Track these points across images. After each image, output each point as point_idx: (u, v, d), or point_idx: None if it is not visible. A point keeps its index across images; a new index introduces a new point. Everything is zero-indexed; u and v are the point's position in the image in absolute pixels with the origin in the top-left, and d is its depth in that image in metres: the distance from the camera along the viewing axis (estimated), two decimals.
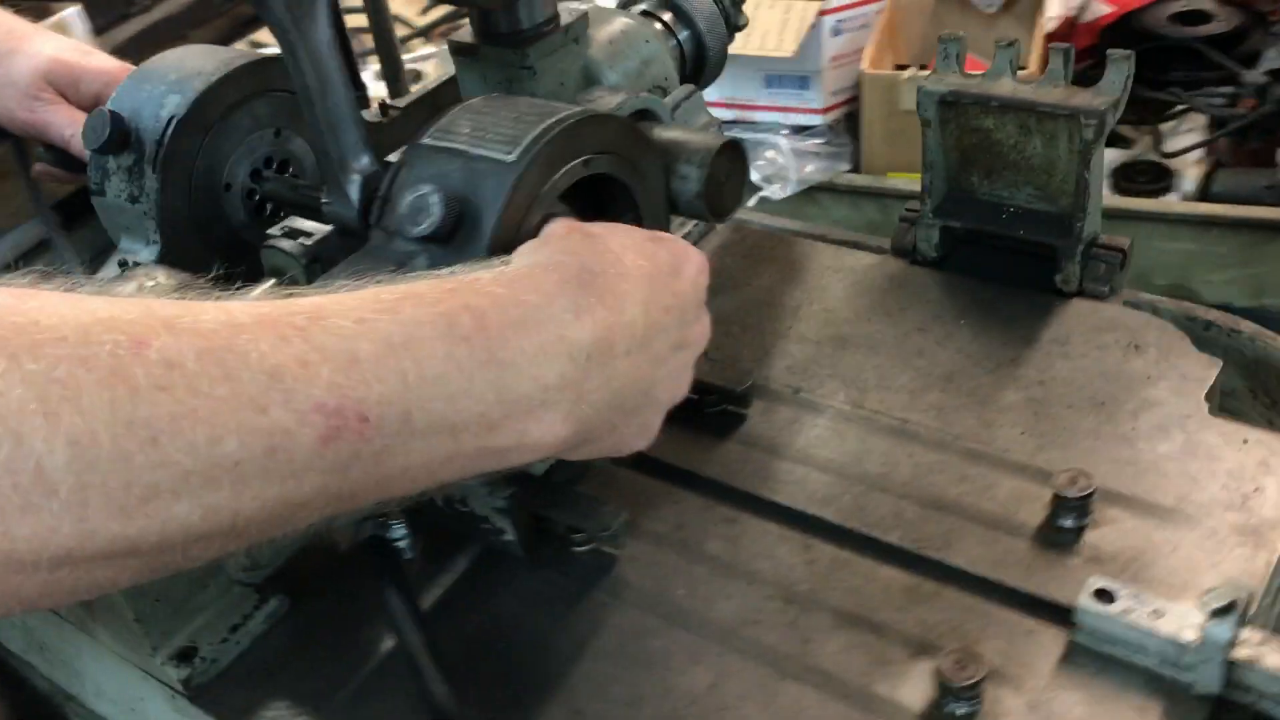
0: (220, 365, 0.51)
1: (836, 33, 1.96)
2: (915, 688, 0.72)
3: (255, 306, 0.56)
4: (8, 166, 1.50)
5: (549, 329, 0.63)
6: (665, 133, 0.91)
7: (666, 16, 1.14)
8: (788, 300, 1.07)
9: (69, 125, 1.01)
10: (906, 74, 1.77)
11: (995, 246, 1.05)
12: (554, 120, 0.78)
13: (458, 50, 1.01)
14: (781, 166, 1.94)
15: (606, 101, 0.93)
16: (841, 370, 0.97)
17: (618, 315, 0.67)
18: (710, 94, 2.15)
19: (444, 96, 1.15)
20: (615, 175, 0.83)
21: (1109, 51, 0.94)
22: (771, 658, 0.76)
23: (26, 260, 1.88)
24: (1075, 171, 0.97)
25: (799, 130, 2.05)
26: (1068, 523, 0.80)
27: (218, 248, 0.98)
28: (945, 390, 0.93)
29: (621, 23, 1.06)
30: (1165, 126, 2.10)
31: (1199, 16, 2.07)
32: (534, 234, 0.76)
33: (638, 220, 0.87)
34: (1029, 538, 0.80)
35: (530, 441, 0.64)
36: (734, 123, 2.11)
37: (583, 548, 0.86)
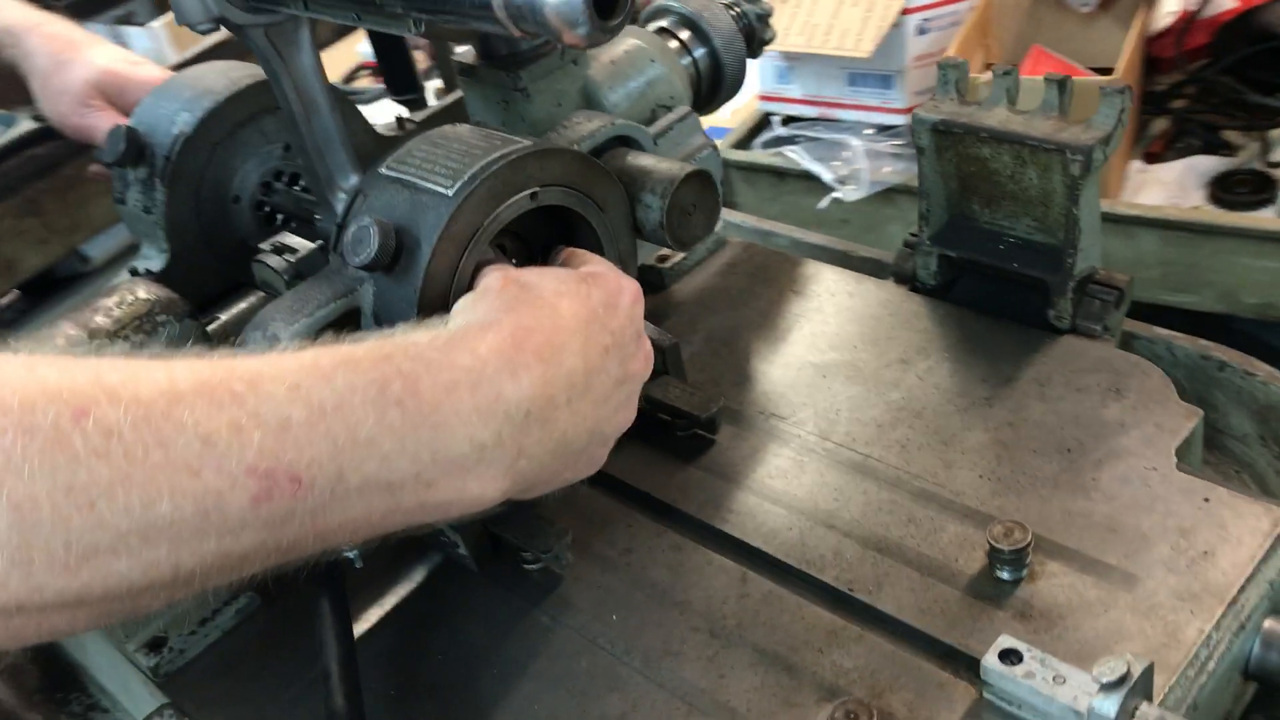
0: (155, 433, 0.55)
1: (922, 31, 1.91)
2: None
3: (198, 371, 0.59)
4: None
5: (484, 390, 0.65)
6: (636, 160, 0.92)
7: (684, 34, 1.14)
8: (780, 323, 1.06)
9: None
10: (985, 76, 1.72)
11: (997, 277, 1.03)
12: (497, 155, 0.80)
13: (461, 70, 1.04)
14: (856, 167, 1.91)
15: (582, 129, 0.94)
16: (816, 399, 0.97)
17: (556, 369, 0.69)
18: (794, 91, 2.14)
19: (456, 113, 1.18)
20: (566, 206, 0.85)
21: (1101, 85, 0.91)
22: (685, 691, 0.77)
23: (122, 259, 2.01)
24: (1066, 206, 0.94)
25: (883, 130, 2.01)
26: (1004, 574, 0.79)
27: (227, 257, 1.03)
28: (913, 426, 0.92)
29: (628, 43, 1.07)
30: (1275, 134, 1.99)
31: None
32: (470, 273, 0.79)
33: (598, 247, 0.89)
34: (962, 587, 0.79)
35: (469, 497, 0.66)
36: (817, 120, 2.09)
37: (533, 566, 0.88)
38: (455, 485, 0.65)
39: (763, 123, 2.20)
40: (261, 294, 0.95)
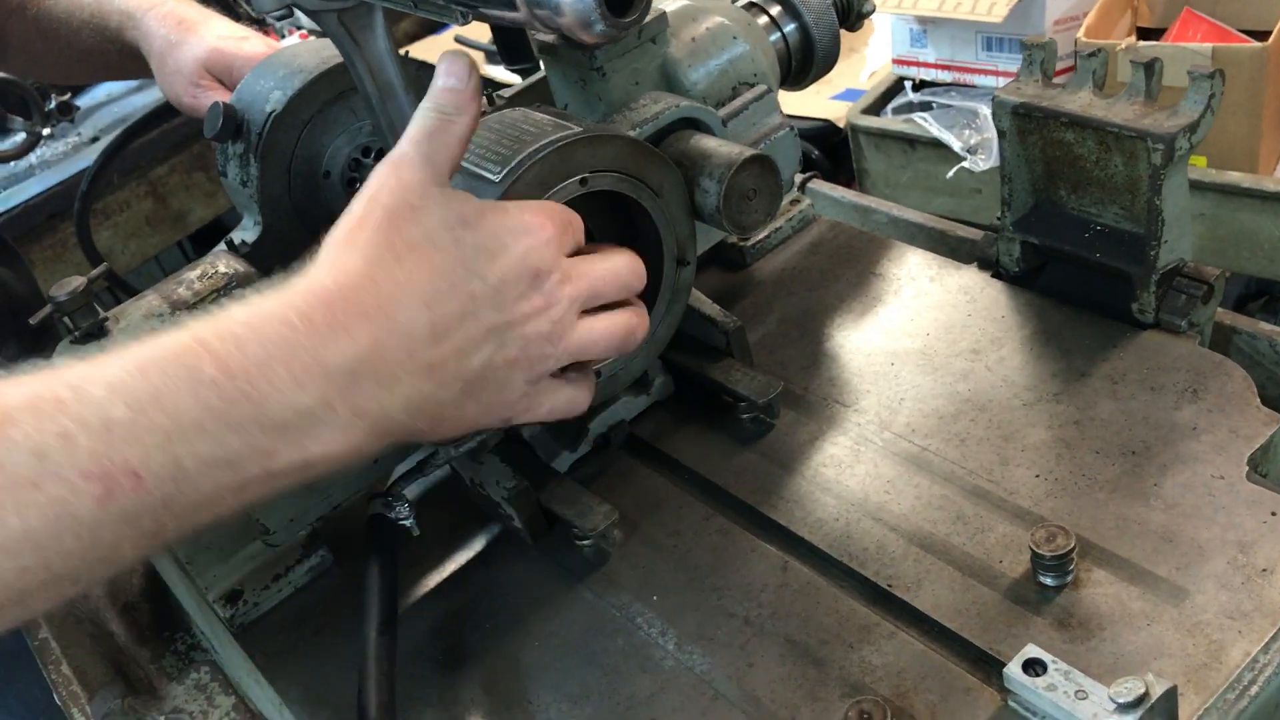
0: None
1: None
2: None
3: (28, 385, 0.62)
4: None
5: (300, 357, 0.66)
6: (699, 143, 0.92)
7: (774, 10, 1.13)
8: (856, 306, 1.05)
9: None
10: (1123, 44, 1.64)
11: (1083, 266, 0.99)
12: (546, 142, 0.81)
13: (541, 49, 1.05)
14: (985, 136, 1.85)
15: (646, 111, 0.94)
16: (881, 387, 0.96)
17: (386, 323, 0.68)
18: (928, 56, 2.08)
19: (544, 89, 1.19)
20: (617, 192, 0.85)
21: (1190, 69, 0.86)
22: (713, 676, 0.78)
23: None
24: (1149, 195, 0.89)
25: None
26: (1047, 580, 0.77)
27: (317, 230, 1.08)
28: (975, 420, 0.90)
29: (711, 20, 1.06)
30: None
31: None
32: None
33: (654, 231, 0.89)
34: (1003, 590, 0.77)
35: (317, 456, 0.67)
36: (951, 86, 2.02)
37: (584, 542, 0.90)
38: (296, 450, 0.66)
39: (896, 87, 2.14)
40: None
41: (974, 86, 1.97)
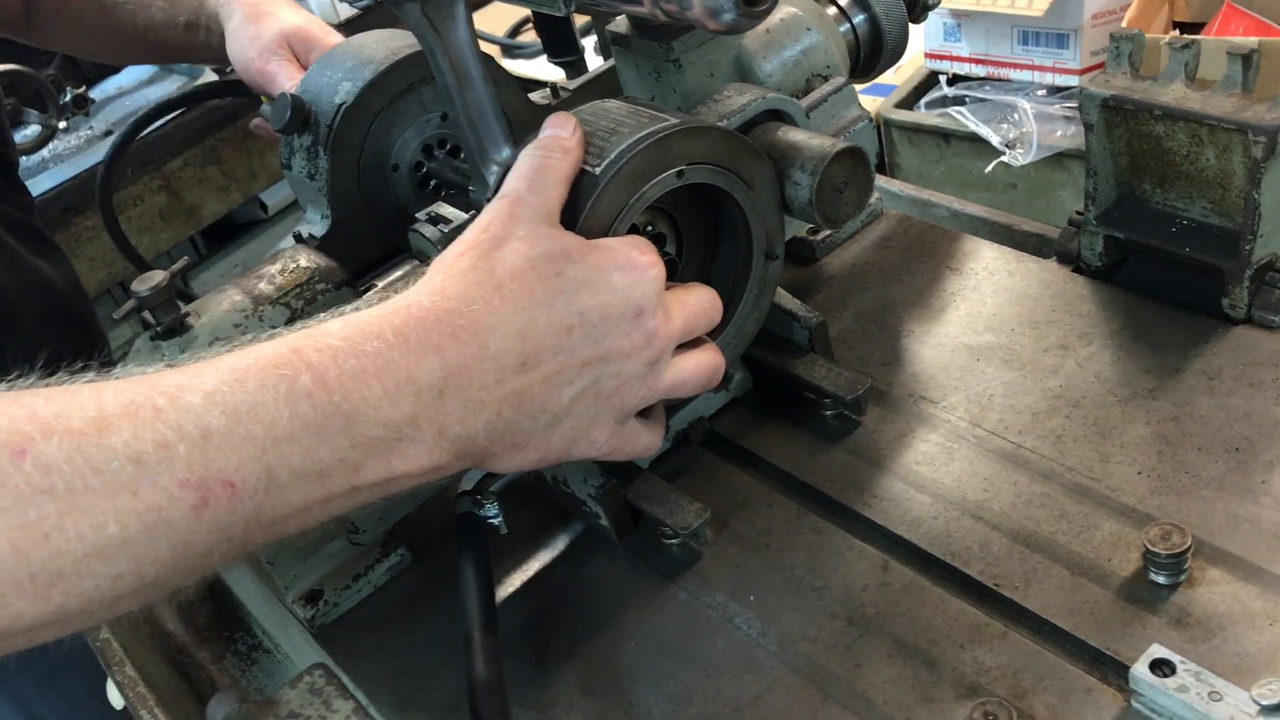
0: (90, 461, 0.58)
1: None
2: None
3: (124, 392, 0.62)
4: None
5: (392, 374, 0.66)
6: (787, 136, 0.90)
7: (843, 1, 1.11)
8: (934, 301, 1.04)
9: (289, 81, 1.12)
10: (1166, 38, 1.63)
11: (1168, 260, 0.98)
12: (645, 133, 0.80)
13: (614, 40, 1.04)
14: (1025, 130, 1.84)
15: (732, 103, 0.93)
16: (969, 383, 0.94)
17: (477, 349, 0.68)
18: (962, 50, 2.08)
19: (610, 82, 1.18)
20: (712, 184, 0.84)
21: (1229, 49, 0.85)
22: (821, 678, 0.77)
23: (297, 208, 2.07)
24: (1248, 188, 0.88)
25: (1054, 91, 1.93)
26: (1160, 579, 0.75)
27: (386, 224, 1.06)
28: (1070, 416, 0.89)
29: (784, 11, 1.05)
30: None
31: None
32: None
33: (745, 225, 0.88)
34: (1114, 589, 0.76)
35: (400, 473, 0.67)
36: (985, 80, 2.02)
37: (673, 541, 0.88)
38: (382, 465, 0.66)
39: (928, 82, 2.13)
40: (416, 262, 0.97)
41: (1009, 81, 1.96)
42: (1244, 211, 0.89)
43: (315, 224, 1.04)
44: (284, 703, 0.70)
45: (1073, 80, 1.84)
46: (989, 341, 0.98)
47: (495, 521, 0.87)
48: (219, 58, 1.26)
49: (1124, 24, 1.74)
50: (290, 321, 0.87)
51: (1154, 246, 0.96)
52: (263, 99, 1.29)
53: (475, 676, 0.74)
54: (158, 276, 0.84)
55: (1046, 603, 0.77)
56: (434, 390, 0.67)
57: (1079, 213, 1.02)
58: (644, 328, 0.74)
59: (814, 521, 0.88)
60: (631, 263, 0.74)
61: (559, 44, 1.60)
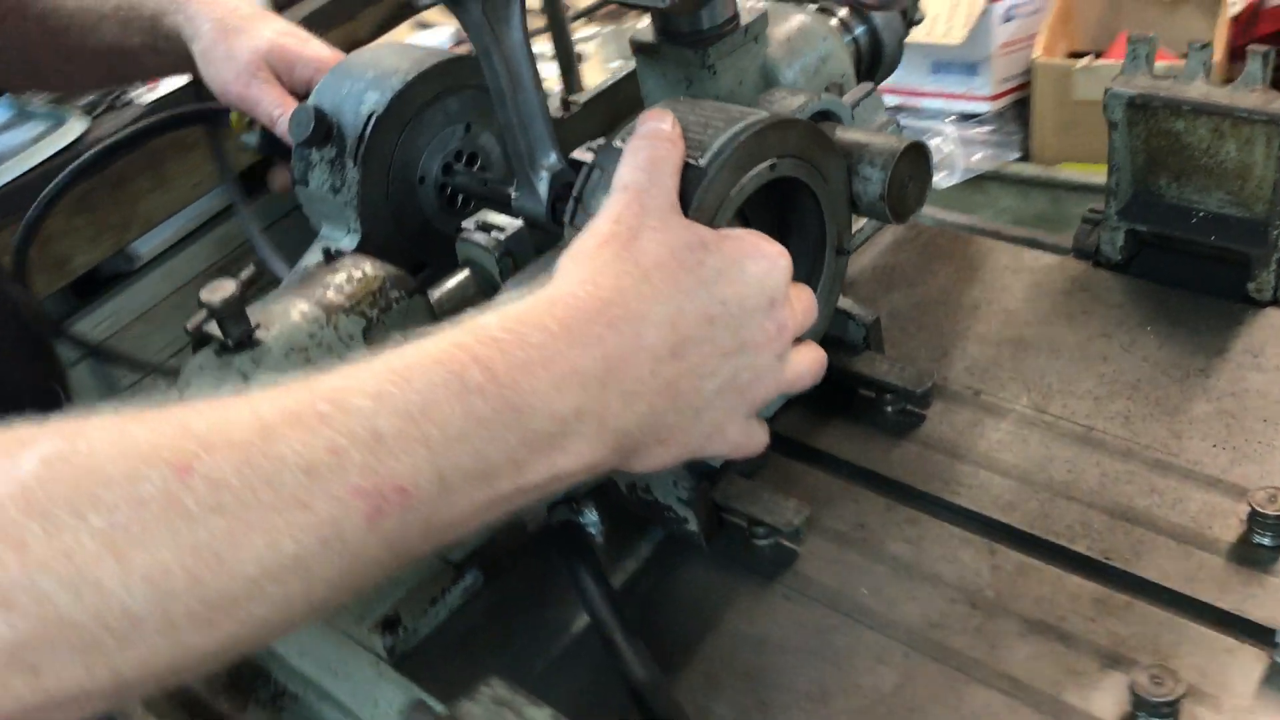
0: (259, 473, 0.54)
1: (1008, 19, 1.92)
2: (1108, 700, 0.72)
3: (280, 400, 0.58)
4: (196, 139, 1.60)
5: (558, 364, 0.63)
6: (847, 134, 0.91)
7: (842, 12, 1.14)
8: (964, 299, 1.06)
9: (277, 106, 1.05)
10: (1081, 63, 1.74)
11: (1182, 251, 1.03)
12: (742, 125, 0.79)
13: (639, 49, 1.03)
14: (948, 155, 1.92)
15: (789, 103, 0.93)
16: (1023, 373, 0.97)
17: (634, 339, 0.66)
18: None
19: (622, 93, 1.17)
20: (799, 178, 0.84)
21: (1191, 42, 0.92)
22: (958, 662, 0.77)
23: (212, 224, 1.99)
24: (1272, 177, 0.94)
25: (966, 118, 2.02)
26: (1265, 540, 0.79)
27: (412, 237, 1.02)
28: (1132, 398, 0.92)
29: (799, 20, 1.06)
30: None
31: None
32: None
33: (820, 222, 0.88)
34: (1223, 554, 0.79)
35: (562, 471, 0.64)
36: (899, 109, 2.10)
37: (764, 541, 0.87)
38: (546, 463, 0.64)
39: None
40: (467, 272, 0.94)
41: (920, 110, 2.05)
42: (1270, 200, 0.95)
43: (341, 239, 1.00)
44: (470, 717, 0.65)
45: (984, 106, 1.94)
46: (1030, 334, 1.01)
47: (593, 530, 0.84)
48: (184, 72, 1.19)
49: (1036, 52, 1.84)
50: (367, 331, 0.82)
51: (1176, 238, 1.01)
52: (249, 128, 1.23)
53: (638, 680, 0.71)
54: (228, 286, 0.78)
55: (1163, 571, 0.79)
56: (597, 381, 0.65)
57: (1093, 210, 1.07)
58: (776, 319, 0.73)
59: (906, 513, 0.88)
60: (762, 252, 0.73)
61: None
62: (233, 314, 0.78)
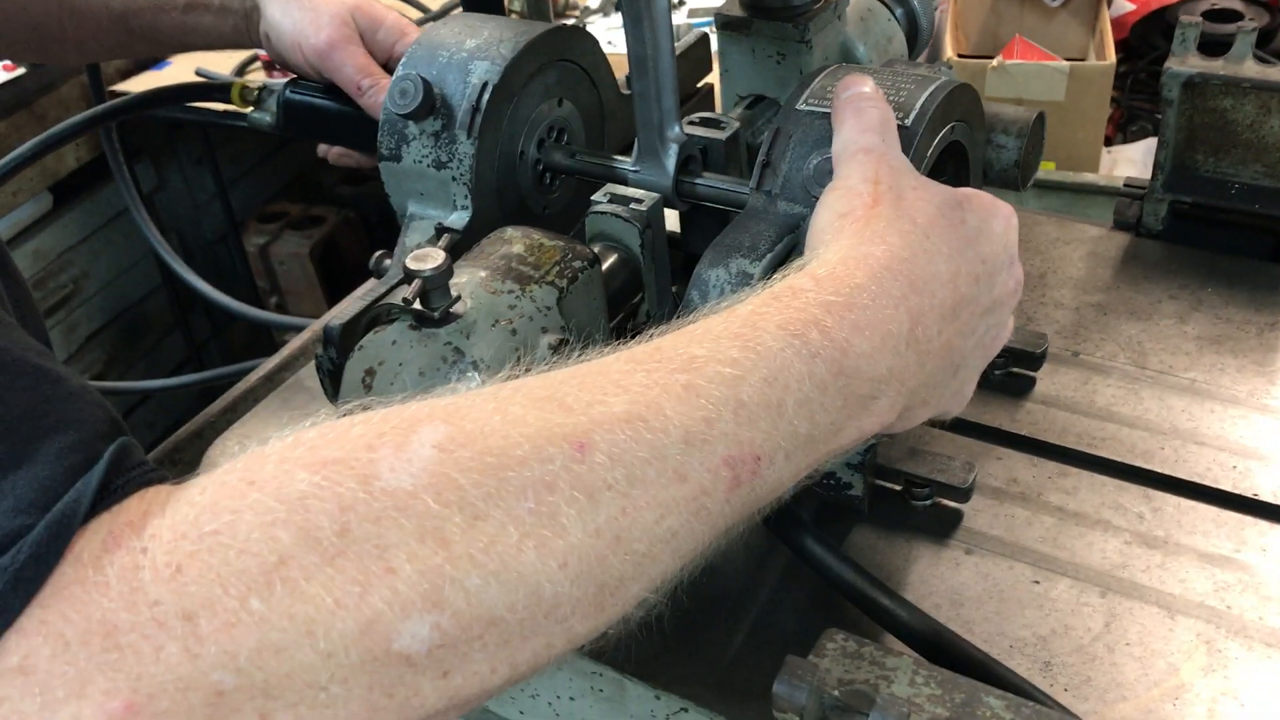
0: (647, 447, 0.53)
1: None
2: None
3: (632, 374, 0.56)
4: None
5: (878, 326, 0.63)
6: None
7: None
8: (1030, 270, 1.11)
9: (364, 75, 0.99)
10: (993, 63, 1.84)
11: (1215, 221, 1.12)
12: (937, 86, 0.81)
13: (726, 24, 1.03)
14: None
15: (920, 70, 0.96)
16: (1111, 334, 1.03)
17: (928, 299, 0.67)
18: None
19: (698, 55, 1.17)
20: (962, 142, 0.86)
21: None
22: (1153, 596, 0.81)
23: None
24: None
25: None
26: None
27: (510, 216, 0.98)
28: (1219, 352, 0.99)
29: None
30: None
31: (1230, 15, 2.19)
32: None
33: (967, 184, 0.91)
34: None
35: (864, 434, 0.64)
36: None
37: (923, 502, 0.89)
38: (855, 426, 0.63)
39: None
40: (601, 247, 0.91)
41: None
42: None
43: (448, 216, 0.94)
44: (826, 671, 0.63)
45: None
46: (1103, 299, 1.07)
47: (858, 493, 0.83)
48: (231, 42, 1.10)
49: (949, 53, 1.94)
50: (560, 301, 0.79)
51: (1219, 208, 1.10)
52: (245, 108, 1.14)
53: (921, 630, 0.72)
54: (436, 255, 0.73)
55: None
56: (904, 343, 0.65)
57: (1129, 183, 1.15)
58: (1016, 275, 0.76)
59: (1054, 468, 0.91)
60: (1000, 209, 0.74)
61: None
62: (439, 285, 0.74)
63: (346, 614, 0.46)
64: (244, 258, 2.97)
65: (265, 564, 0.45)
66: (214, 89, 1.19)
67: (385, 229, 3.13)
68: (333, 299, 2.97)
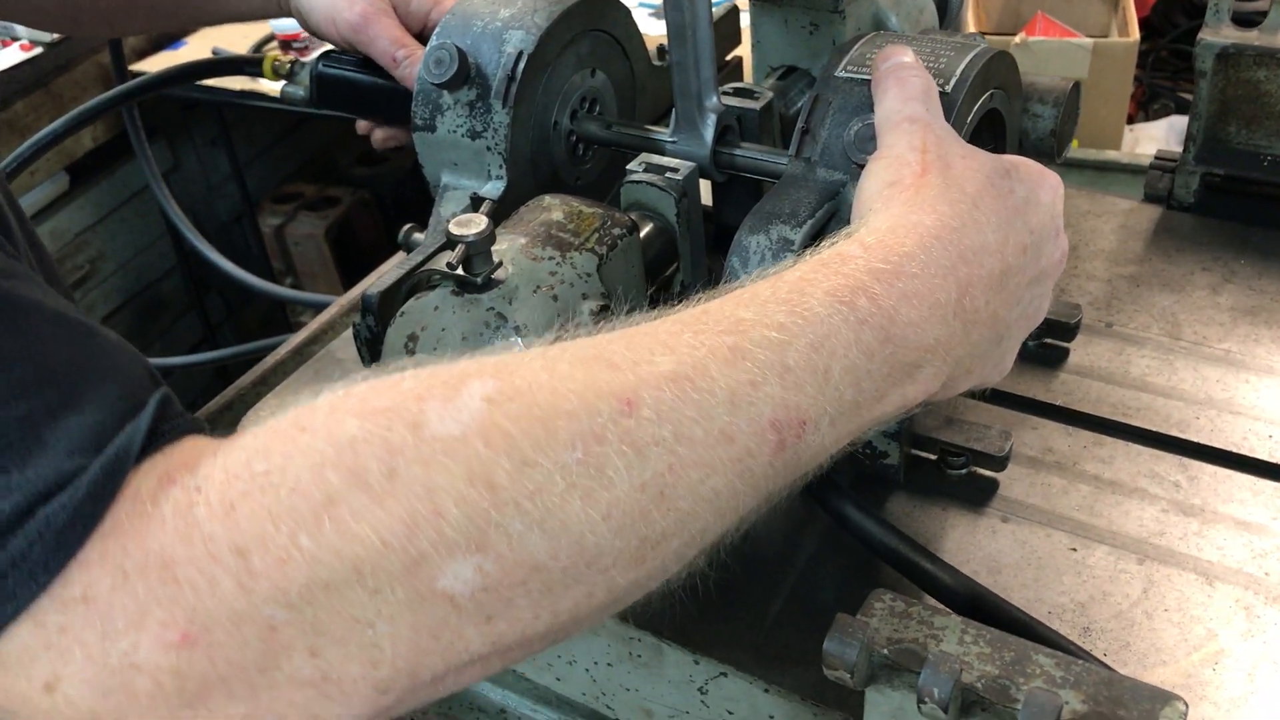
0: (694, 406, 0.53)
1: None
2: None
3: (679, 335, 0.56)
4: None
5: (926, 295, 0.63)
6: None
7: None
8: None
9: (399, 46, 0.99)
10: (1016, 39, 1.84)
11: (1246, 193, 1.11)
12: (976, 53, 0.81)
13: None
14: None
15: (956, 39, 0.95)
16: (1145, 306, 1.02)
17: (976, 269, 0.66)
18: None
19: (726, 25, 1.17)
20: (1000, 110, 0.86)
21: None
22: (1191, 564, 0.81)
23: None
24: None
25: None
26: None
27: (542, 186, 0.98)
28: (1253, 323, 0.99)
29: None
30: None
31: None
32: None
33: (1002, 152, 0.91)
34: None
35: (908, 402, 0.64)
36: None
37: (958, 471, 0.89)
38: (899, 394, 0.63)
39: None
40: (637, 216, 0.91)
41: None
42: None
43: (483, 186, 0.94)
44: (876, 630, 0.63)
45: None
46: (1135, 271, 1.07)
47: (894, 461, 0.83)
48: (260, 14, 1.09)
49: (971, 27, 1.93)
50: (600, 268, 0.79)
51: (1251, 179, 1.10)
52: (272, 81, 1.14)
53: (952, 584, 0.72)
54: (479, 221, 0.73)
55: None
56: (952, 312, 0.64)
57: (1160, 156, 1.14)
58: (1062, 245, 0.75)
59: (1089, 437, 0.91)
60: (1047, 179, 0.74)
61: None
62: (482, 251, 0.74)
63: (393, 554, 0.46)
64: (259, 238, 2.97)
65: (315, 503, 0.46)
66: (246, 63, 1.19)
67: (400, 210, 3.13)
68: (347, 280, 2.97)
